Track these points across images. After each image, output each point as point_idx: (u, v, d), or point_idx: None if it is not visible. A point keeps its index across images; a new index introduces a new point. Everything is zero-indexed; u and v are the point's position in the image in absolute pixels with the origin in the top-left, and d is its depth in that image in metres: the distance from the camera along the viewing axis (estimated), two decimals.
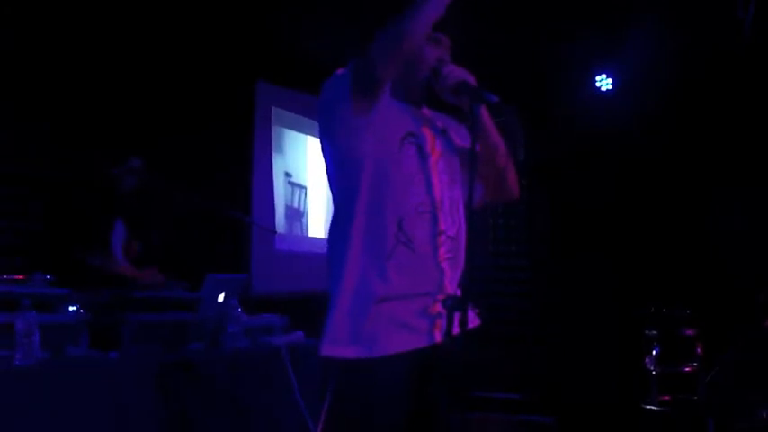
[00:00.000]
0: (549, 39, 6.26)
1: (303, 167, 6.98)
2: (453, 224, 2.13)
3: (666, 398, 4.90)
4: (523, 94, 6.59)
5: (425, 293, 2.03)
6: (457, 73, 2.09)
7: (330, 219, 2.19)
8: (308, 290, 5.73)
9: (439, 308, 2.03)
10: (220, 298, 3.49)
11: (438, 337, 2.02)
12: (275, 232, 6.30)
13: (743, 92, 5.72)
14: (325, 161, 2.16)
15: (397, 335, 1.98)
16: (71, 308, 2.99)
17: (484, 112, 2.12)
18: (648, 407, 4.93)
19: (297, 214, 6.89)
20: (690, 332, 4.99)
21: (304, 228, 6.94)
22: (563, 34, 6.13)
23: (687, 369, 4.90)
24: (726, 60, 5.73)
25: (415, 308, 2.02)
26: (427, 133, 2.16)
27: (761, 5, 5.06)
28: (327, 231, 2.18)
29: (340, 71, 2.07)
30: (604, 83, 6.74)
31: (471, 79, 2.08)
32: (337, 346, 2.02)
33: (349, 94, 2.00)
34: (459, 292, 2.06)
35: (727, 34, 5.38)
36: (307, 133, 6.93)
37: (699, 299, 5.40)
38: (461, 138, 2.27)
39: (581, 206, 6.61)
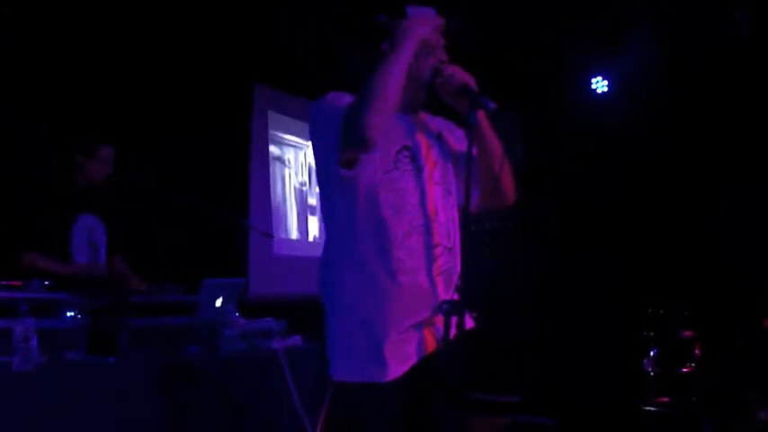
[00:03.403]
0: (545, 41, 6.27)
1: (300, 171, 6.99)
2: (449, 235, 2.13)
3: (665, 399, 4.90)
4: (519, 96, 6.62)
5: (422, 316, 2.04)
6: (459, 75, 2.09)
7: (322, 228, 2.20)
8: (306, 294, 5.74)
9: (433, 316, 2.04)
10: (218, 302, 3.49)
11: (431, 346, 2.03)
12: (272, 236, 6.30)
13: (741, 91, 5.73)
14: (318, 179, 2.19)
15: (394, 358, 2.00)
16: (69, 313, 2.98)
17: (482, 116, 2.12)
18: (647, 408, 4.94)
19: (294, 218, 6.90)
20: (688, 333, 5.00)
21: (302, 232, 6.94)
22: (558, 37, 6.14)
23: (685, 370, 4.91)
24: (723, 60, 5.74)
25: (413, 329, 2.03)
26: (422, 142, 2.16)
27: (757, 5, 5.09)
28: (322, 248, 2.19)
29: (331, 98, 2.11)
30: (600, 85, 6.75)
31: (472, 82, 2.08)
32: (334, 369, 2.07)
33: (338, 148, 2.03)
34: (455, 297, 2.07)
35: (723, 34, 5.41)
36: (303, 137, 6.94)
37: (699, 299, 5.41)
38: (457, 140, 2.27)
39: (579, 208, 6.62)
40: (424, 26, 2.10)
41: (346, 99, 2.08)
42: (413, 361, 2.01)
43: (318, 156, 2.16)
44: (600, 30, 6.05)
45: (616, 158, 6.41)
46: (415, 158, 2.11)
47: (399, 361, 1.99)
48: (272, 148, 6.67)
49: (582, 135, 6.60)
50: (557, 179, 6.78)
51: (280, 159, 6.74)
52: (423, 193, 2.10)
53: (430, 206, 2.10)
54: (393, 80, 2.01)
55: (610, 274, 6.29)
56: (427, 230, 2.07)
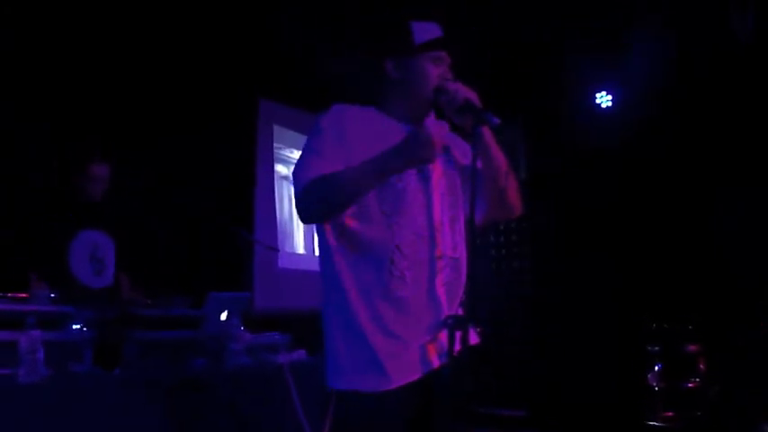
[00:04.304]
0: (549, 56, 6.29)
1: None
2: (454, 245, 2.14)
3: (670, 414, 4.89)
4: (523, 112, 6.64)
5: (423, 337, 2.04)
6: (462, 91, 2.09)
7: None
8: (310, 308, 5.73)
9: (437, 331, 2.04)
10: (223, 316, 3.49)
11: (436, 362, 2.04)
12: (278, 250, 6.31)
13: (744, 102, 5.72)
14: None
15: (395, 369, 2.00)
16: (75, 326, 3.00)
17: (487, 131, 2.12)
18: (652, 423, 4.92)
19: (301, 234, 6.90)
20: (693, 348, 4.99)
21: (307, 246, 6.95)
22: (562, 52, 6.16)
23: (690, 385, 4.89)
24: (725, 71, 5.74)
25: (415, 343, 2.04)
26: None
27: (761, 8, 5.09)
28: (319, 263, 2.19)
29: (329, 121, 2.13)
30: (604, 100, 6.76)
31: (475, 98, 2.08)
32: (337, 380, 2.07)
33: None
34: (460, 311, 2.07)
35: (725, 45, 5.42)
36: None
37: (702, 308, 5.40)
38: (463, 154, 2.27)
39: (584, 221, 6.62)
40: (421, 153, 1.97)
41: (346, 115, 2.12)
42: (416, 375, 2.00)
43: None
44: (603, 45, 6.07)
45: (619, 173, 6.40)
46: (421, 169, 2.12)
47: (400, 372, 1.99)
48: (279, 167, 6.69)
49: (588, 150, 6.60)
50: (563, 193, 6.78)
51: (287, 178, 6.75)
52: (429, 204, 2.11)
53: (436, 217, 2.11)
54: (360, 194, 2.02)
55: (613, 284, 6.28)
56: (432, 241, 2.08)
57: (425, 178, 2.12)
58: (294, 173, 2.09)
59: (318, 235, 2.17)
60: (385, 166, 1.99)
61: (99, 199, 4.15)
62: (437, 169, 2.17)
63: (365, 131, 2.10)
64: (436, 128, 1.99)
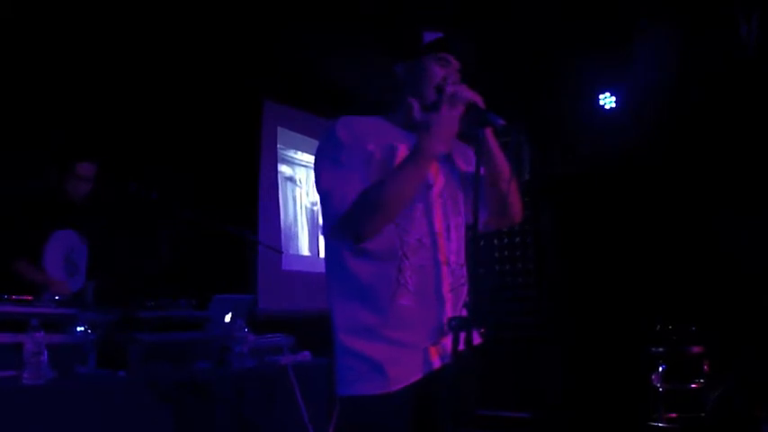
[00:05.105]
0: (553, 58, 6.29)
1: (311, 191, 6.99)
2: (459, 251, 2.14)
3: (673, 415, 4.88)
4: (527, 113, 6.63)
5: (425, 342, 2.05)
6: (466, 94, 2.09)
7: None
8: (314, 309, 5.75)
9: (441, 332, 2.05)
10: (227, 318, 3.50)
11: (437, 363, 2.04)
12: (281, 252, 6.31)
13: (748, 104, 5.72)
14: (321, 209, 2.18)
15: (396, 372, 2.00)
16: (79, 328, 3.00)
17: (490, 135, 2.12)
18: (655, 424, 4.92)
19: (306, 237, 6.90)
20: (696, 349, 4.98)
21: (311, 248, 6.95)
22: (566, 54, 6.16)
23: (694, 386, 4.89)
24: (729, 73, 5.74)
25: (418, 347, 2.04)
26: None
27: (764, 22, 5.09)
28: (325, 267, 2.19)
29: (339, 134, 2.10)
30: (608, 101, 6.75)
31: (479, 100, 2.08)
32: (342, 386, 2.08)
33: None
34: (464, 312, 2.07)
35: (730, 50, 5.41)
36: (312, 153, 6.93)
37: (706, 310, 5.39)
38: (466, 161, 2.27)
39: (587, 223, 6.61)
40: (443, 144, 2.03)
41: (354, 132, 2.10)
42: (417, 376, 2.01)
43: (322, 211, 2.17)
44: (607, 46, 6.06)
45: (623, 174, 6.40)
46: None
47: (401, 375, 2.00)
48: (284, 168, 6.68)
49: (591, 151, 6.60)
50: (568, 194, 6.77)
51: (291, 179, 6.75)
52: (432, 212, 2.11)
53: (441, 224, 2.11)
54: (402, 198, 2.00)
55: (616, 285, 6.27)
56: (435, 248, 2.08)
57: (428, 186, 2.12)
58: (328, 189, 2.07)
59: (327, 245, 2.16)
60: (414, 169, 2.00)
61: (81, 199, 4.13)
62: (440, 176, 2.17)
63: (377, 142, 2.10)
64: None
